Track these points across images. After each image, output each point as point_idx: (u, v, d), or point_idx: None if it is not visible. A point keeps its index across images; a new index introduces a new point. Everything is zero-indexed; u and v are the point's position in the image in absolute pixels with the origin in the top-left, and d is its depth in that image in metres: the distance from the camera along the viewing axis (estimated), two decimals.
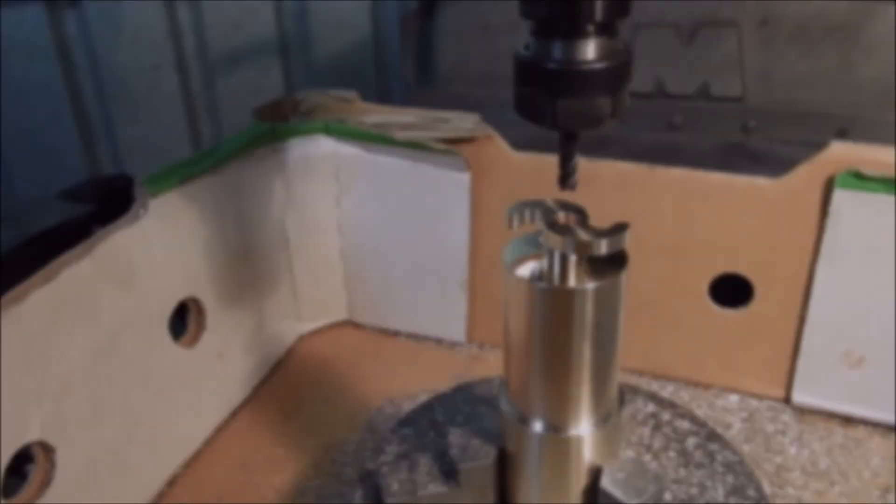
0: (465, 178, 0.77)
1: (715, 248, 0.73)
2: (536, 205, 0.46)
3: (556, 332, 0.45)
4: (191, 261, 0.71)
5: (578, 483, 0.49)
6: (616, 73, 0.38)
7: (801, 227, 0.70)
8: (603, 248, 0.43)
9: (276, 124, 0.77)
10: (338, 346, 0.88)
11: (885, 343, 0.70)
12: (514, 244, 0.48)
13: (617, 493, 0.47)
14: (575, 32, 0.38)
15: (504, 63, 1.09)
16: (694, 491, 0.53)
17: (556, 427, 0.48)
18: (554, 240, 0.43)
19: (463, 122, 0.75)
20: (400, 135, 0.75)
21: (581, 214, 0.45)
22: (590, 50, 0.38)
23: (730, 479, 0.54)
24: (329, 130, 0.79)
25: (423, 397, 0.78)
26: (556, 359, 0.46)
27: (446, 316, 0.85)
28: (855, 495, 0.66)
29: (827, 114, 0.93)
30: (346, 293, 0.88)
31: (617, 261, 0.45)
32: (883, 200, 0.66)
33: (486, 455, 0.50)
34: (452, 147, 0.75)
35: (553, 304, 0.45)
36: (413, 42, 1.14)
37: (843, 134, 0.93)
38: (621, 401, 0.50)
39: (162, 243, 0.67)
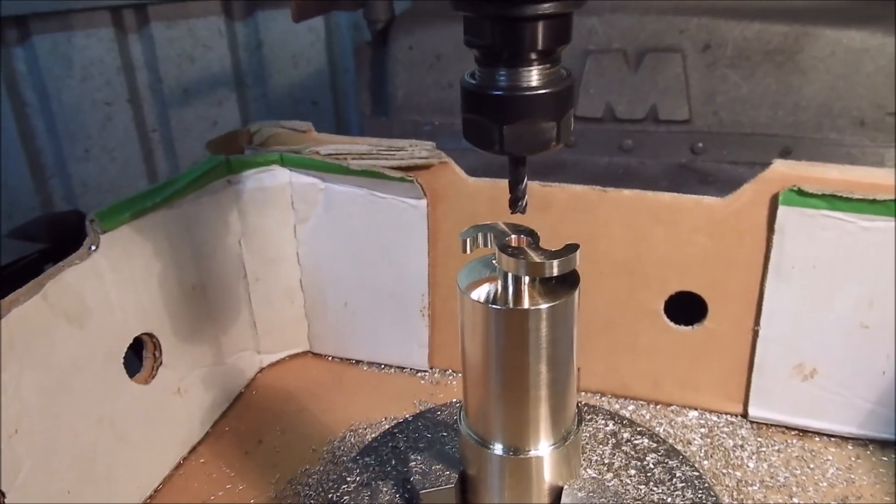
0: (421, 205, 0.77)
1: (668, 267, 0.75)
2: (489, 228, 0.46)
3: (512, 353, 0.46)
4: (145, 296, 0.70)
5: (543, 502, 0.49)
6: (560, 98, 0.39)
7: (749, 244, 0.72)
8: (555, 269, 0.43)
9: (230, 156, 0.77)
10: (299, 377, 0.87)
11: (836, 355, 0.72)
12: (469, 268, 0.48)
13: None
14: (518, 60, 0.39)
15: (457, 92, 1.10)
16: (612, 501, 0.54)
17: (516, 448, 0.48)
18: (507, 262, 0.44)
19: (418, 150, 0.76)
20: (354, 164, 0.76)
21: (532, 237, 0.46)
22: (534, 77, 0.39)
23: (689, 494, 0.55)
24: (284, 161, 0.79)
25: (386, 426, 0.78)
26: (513, 380, 0.47)
27: (408, 343, 0.85)
28: None
29: (770, 134, 0.96)
30: (307, 323, 0.88)
31: (569, 281, 0.46)
32: (825, 216, 0.68)
33: (448, 479, 0.50)
34: (408, 175, 0.75)
35: (508, 325, 0.45)
36: (367, 72, 1.15)
37: (786, 153, 0.96)
38: (579, 420, 0.50)
39: (115, 279, 0.66)
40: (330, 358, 0.90)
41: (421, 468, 0.51)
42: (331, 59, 1.99)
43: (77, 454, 0.63)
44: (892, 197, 0.65)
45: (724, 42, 0.93)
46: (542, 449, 0.48)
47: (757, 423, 0.78)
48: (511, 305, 0.45)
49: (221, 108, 1.89)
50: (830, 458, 0.73)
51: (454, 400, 0.69)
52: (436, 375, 0.86)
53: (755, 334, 0.75)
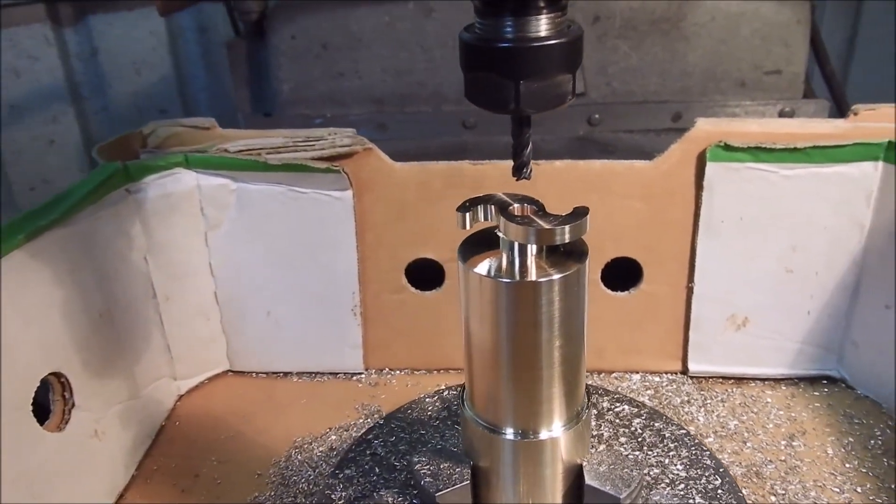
0: (347, 196, 0.73)
1: (603, 234, 0.75)
2: (487, 200, 0.43)
3: (524, 329, 0.43)
4: (49, 330, 0.61)
5: (559, 485, 0.47)
6: (575, 48, 0.37)
7: (680, 204, 0.73)
8: (566, 234, 0.41)
9: (127, 162, 0.69)
10: (223, 399, 0.79)
11: (765, 302, 0.75)
12: (465, 244, 0.45)
13: (604, 487, 0.45)
14: (528, 8, 0.36)
15: (348, 81, 1.05)
16: (656, 471, 0.53)
17: (530, 431, 0.46)
18: (515, 231, 0.41)
19: (339, 137, 0.71)
20: (274, 158, 0.70)
21: (537, 205, 0.43)
22: (545, 26, 0.36)
23: (684, 452, 0.55)
24: (189, 163, 0.71)
25: (333, 437, 0.73)
26: (525, 358, 0.44)
27: (340, 346, 0.80)
28: (766, 448, 0.70)
29: (661, 101, 0.99)
30: (224, 340, 0.80)
31: (576, 250, 0.44)
32: (749, 168, 0.70)
33: (461, 476, 0.47)
34: (333, 164, 0.70)
35: (519, 299, 0.42)
36: (244, 68, 1.07)
37: (677, 118, 1.00)
38: (588, 395, 0.48)
39: (13, 314, 0.57)
40: (254, 374, 0.83)
41: (429, 469, 0.47)
42: (176, 64, 1.86)
43: None
44: (811, 144, 0.68)
45: (612, 13, 0.95)
46: (558, 429, 0.46)
47: (696, 377, 0.80)
48: (520, 278, 0.42)
49: (57, 124, 1.71)
50: (769, 400, 0.77)
51: (423, 395, 0.65)
52: (373, 376, 0.82)
53: (690, 292, 0.76)
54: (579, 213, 0.42)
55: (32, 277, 0.59)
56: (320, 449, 0.72)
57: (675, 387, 0.79)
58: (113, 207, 0.68)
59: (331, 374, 0.82)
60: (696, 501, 0.50)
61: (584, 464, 0.47)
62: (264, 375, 0.83)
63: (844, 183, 0.69)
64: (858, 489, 0.65)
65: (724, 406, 0.76)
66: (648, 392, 0.78)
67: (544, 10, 0.36)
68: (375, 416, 0.76)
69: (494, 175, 0.73)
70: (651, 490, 0.48)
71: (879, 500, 0.63)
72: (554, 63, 0.37)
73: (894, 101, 0.72)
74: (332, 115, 1.01)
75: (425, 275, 0.79)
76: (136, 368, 0.71)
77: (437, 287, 0.79)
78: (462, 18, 1.03)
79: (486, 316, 0.43)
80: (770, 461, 0.68)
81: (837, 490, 0.65)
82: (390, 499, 0.48)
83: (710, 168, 0.71)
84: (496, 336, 0.43)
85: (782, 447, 0.70)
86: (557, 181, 0.73)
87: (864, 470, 0.67)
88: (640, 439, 0.56)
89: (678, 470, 0.53)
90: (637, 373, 0.81)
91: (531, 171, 0.44)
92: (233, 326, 0.79)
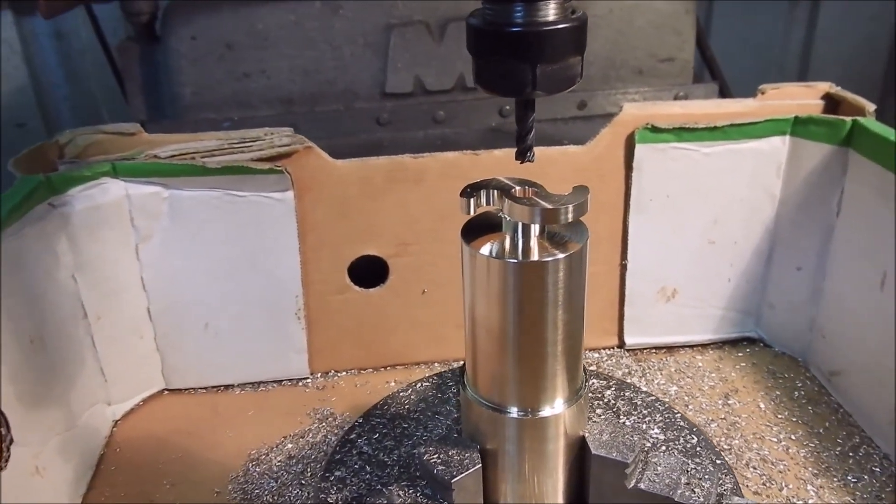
0: (287, 197, 0.71)
1: None
2: (488, 184, 0.44)
3: (531, 308, 0.44)
4: None
5: (563, 458, 0.48)
6: (582, 32, 0.38)
7: (611, 185, 0.77)
8: (570, 213, 0.42)
9: (49, 174, 0.63)
10: (164, 420, 0.75)
11: (691, 273, 0.80)
12: (467, 228, 0.45)
13: (611, 454, 0.47)
14: None
15: (254, 83, 1.01)
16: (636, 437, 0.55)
17: (536, 409, 0.47)
18: (520, 212, 0.42)
19: (277, 137, 0.69)
20: (211, 162, 0.66)
21: (537, 187, 0.44)
22: (555, 11, 0.37)
23: (658, 417, 0.58)
24: (117, 171, 0.66)
25: (289, 445, 0.71)
26: (531, 336, 0.45)
27: (283, 352, 0.77)
28: (707, 409, 0.75)
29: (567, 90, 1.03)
30: (160, 358, 0.76)
31: (576, 230, 0.45)
32: (674, 148, 0.75)
33: (472, 461, 0.47)
34: (276, 165, 0.68)
35: (526, 278, 0.43)
36: (138, 73, 1.01)
37: (583, 106, 1.04)
38: (586, 371, 0.50)
39: None
40: (192, 391, 0.79)
41: (438, 458, 0.47)
42: (32, 73, 1.72)
43: None
44: (728, 123, 0.73)
45: None
46: (561, 405, 0.47)
47: (633, 349, 0.84)
48: (527, 258, 0.43)
49: None
50: (701, 365, 0.82)
51: (399, 390, 0.64)
52: (319, 380, 0.80)
53: (623, 269, 0.80)
54: (580, 193, 0.43)
55: None
56: (279, 459, 0.69)
57: (614, 360, 0.82)
58: (38, 224, 0.62)
59: (275, 381, 0.80)
60: (682, 460, 0.53)
61: (587, 435, 0.48)
62: (204, 391, 0.79)
63: (757, 157, 0.75)
64: (793, 436, 0.70)
65: (661, 374, 0.80)
66: (591, 368, 0.81)
67: None
68: (329, 419, 0.74)
69: (435, 166, 0.74)
70: (648, 453, 0.50)
71: (812, 444, 0.69)
72: (567, 46, 0.38)
73: (752, 88, 0.78)
74: (240, 118, 0.98)
75: (365, 272, 0.78)
76: (70, 396, 0.66)
77: (380, 284, 0.78)
78: (371, 15, 1.02)
79: (493, 297, 0.44)
80: (712, 420, 0.73)
81: (775, 440, 0.70)
82: (399, 492, 0.47)
83: (639, 149, 0.75)
84: (503, 316, 0.44)
85: (720, 406, 0.75)
86: (497, 171, 0.74)
87: (794, 419, 0.73)
88: (615, 410, 0.58)
89: (656, 433, 0.56)
90: None
91: (534, 154, 0.45)
92: (168, 342, 0.75)
